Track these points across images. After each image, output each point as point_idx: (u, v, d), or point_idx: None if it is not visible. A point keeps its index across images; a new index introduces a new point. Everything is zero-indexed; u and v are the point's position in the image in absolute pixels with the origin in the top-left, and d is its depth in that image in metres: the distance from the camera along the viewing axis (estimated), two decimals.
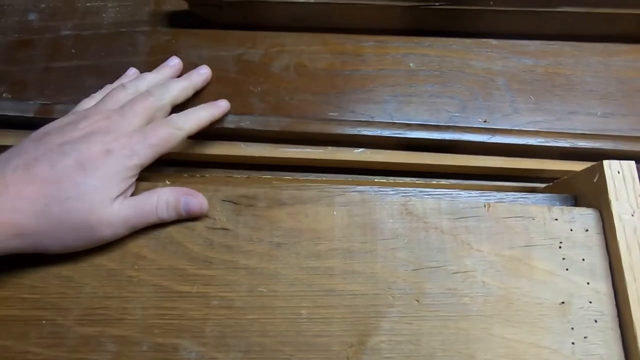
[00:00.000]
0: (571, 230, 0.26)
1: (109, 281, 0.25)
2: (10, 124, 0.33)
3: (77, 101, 0.33)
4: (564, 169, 0.32)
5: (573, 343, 0.24)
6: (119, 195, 0.24)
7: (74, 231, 0.23)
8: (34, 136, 0.25)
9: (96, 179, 0.23)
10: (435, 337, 0.24)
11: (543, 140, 0.31)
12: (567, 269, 0.25)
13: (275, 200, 0.27)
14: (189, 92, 0.31)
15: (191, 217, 0.26)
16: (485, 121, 0.31)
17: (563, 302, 0.24)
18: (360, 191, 0.28)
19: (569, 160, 0.32)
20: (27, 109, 0.32)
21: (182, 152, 0.32)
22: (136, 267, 0.26)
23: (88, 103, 0.29)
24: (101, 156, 0.24)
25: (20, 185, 0.22)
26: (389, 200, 0.27)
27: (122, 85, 0.29)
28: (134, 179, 0.26)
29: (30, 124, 0.33)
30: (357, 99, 0.32)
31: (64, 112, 0.32)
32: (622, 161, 0.26)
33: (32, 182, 0.23)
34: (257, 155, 0.33)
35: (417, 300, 0.25)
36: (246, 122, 0.32)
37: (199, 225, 0.27)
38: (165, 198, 0.26)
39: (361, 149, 0.33)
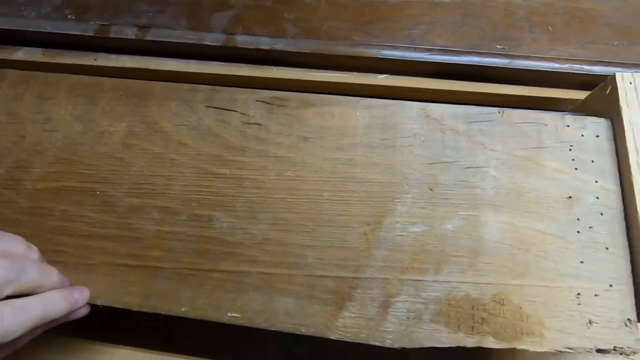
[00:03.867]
0: (582, 135, 0.27)
1: (154, 162, 0.29)
2: (71, 44, 0.38)
3: (131, 23, 0.37)
4: (582, 98, 0.33)
5: (578, 232, 0.25)
6: None
7: None
8: None
9: None
10: (446, 220, 0.26)
11: (559, 66, 0.32)
12: (576, 169, 0.27)
13: (304, 102, 0.30)
14: (42, 289, 0.23)
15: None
16: (504, 48, 0.33)
17: (570, 197, 0.26)
18: (382, 99, 0.30)
19: (587, 90, 0.33)
20: (88, 29, 0.36)
21: (213, 72, 0.35)
22: (179, 152, 0.29)
23: None
24: None
25: None
26: (409, 105, 0.29)
27: None
28: None
29: (89, 44, 0.37)
30: (384, 27, 0.35)
31: (120, 33, 0.37)
32: (634, 73, 0.27)
33: None
34: (288, 77, 0.36)
35: (431, 189, 0.27)
36: (280, 45, 0.35)
37: (234, 120, 0.30)
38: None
39: (385, 75, 0.35)
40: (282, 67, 0.36)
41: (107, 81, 0.32)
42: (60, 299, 0.23)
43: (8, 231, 0.27)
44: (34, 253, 0.25)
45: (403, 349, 0.23)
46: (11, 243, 0.24)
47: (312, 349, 0.34)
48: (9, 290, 0.21)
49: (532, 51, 0.33)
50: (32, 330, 0.22)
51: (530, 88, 0.33)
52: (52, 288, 0.24)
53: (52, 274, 0.24)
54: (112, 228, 0.27)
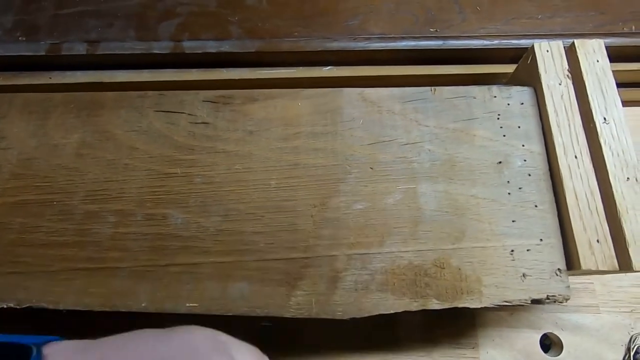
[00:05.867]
0: (508, 104, 0.29)
1: (108, 169, 0.30)
2: (25, 65, 0.38)
3: (81, 39, 0.38)
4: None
5: (509, 193, 0.27)
6: None
7: None
8: None
9: None
10: (387, 195, 0.27)
11: (489, 43, 0.34)
12: (504, 135, 0.28)
13: (249, 98, 0.31)
14: None
15: None
16: (437, 30, 0.35)
17: (500, 162, 0.28)
18: (322, 89, 0.32)
19: (517, 63, 0.35)
20: (39, 49, 0.37)
21: (164, 80, 0.37)
22: (131, 156, 0.30)
23: None
24: None
25: None
26: (347, 92, 0.31)
27: None
28: None
29: (43, 63, 0.38)
30: (323, 21, 0.36)
31: (71, 49, 0.38)
32: (550, 41, 0.29)
33: None
34: (237, 78, 0.37)
35: (371, 168, 0.28)
36: (226, 46, 0.36)
37: (182, 121, 0.31)
38: None
39: (329, 67, 0.37)
40: (230, 68, 0.37)
41: (58, 96, 0.33)
42: None
43: None
44: None
45: (354, 319, 0.25)
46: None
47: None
48: None
49: (462, 31, 0.35)
50: None
51: (465, 66, 0.35)
52: None
53: None
54: (70, 235, 0.28)
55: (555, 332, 0.32)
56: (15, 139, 0.31)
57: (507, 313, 0.32)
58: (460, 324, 0.32)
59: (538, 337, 0.32)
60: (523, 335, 0.32)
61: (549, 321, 0.32)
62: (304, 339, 0.31)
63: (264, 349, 0.22)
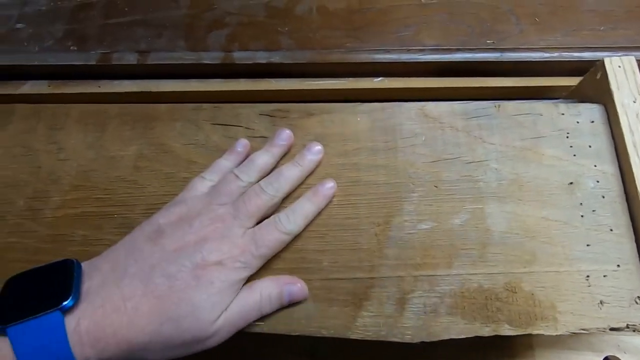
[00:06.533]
0: (577, 122, 0.28)
1: (166, 182, 0.30)
2: (75, 74, 0.39)
3: (131, 49, 0.38)
4: (574, 84, 0.34)
5: (582, 216, 0.26)
6: (227, 307, 0.24)
7: (181, 346, 0.23)
8: (147, 232, 0.25)
9: (210, 296, 0.23)
10: (453, 215, 0.27)
11: (549, 55, 0.33)
12: (574, 155, 0.27)
13: (305, 112, 0.31)
14: (301, 181, 0.28)
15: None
16: (493, 42, 0.34)
17: (571, 183, 0.27)
18: (380, 102, 0.31)
19: (577, 76, 0.34)
20: (90, 58, 0.37)
21: (212, 90, 0.36)
22: (189, 170, 0.30)
23: (200, 186, 0.28)
24: (215, 269, 0.23)
25: (137, 299, 0.22)
26: (407, 106, 0.30)
27: (235, 176, 0.27)
28: (240, 288, 0.25)
29: (92, 72, 0.39)
30: (374, 31, 0.36)
31: (121, 59, 0.38)
32: (622, 57, 0.28)
33: (149, 297, 0.22)
34: (286, 88, 0.37)
35: (436, 186, 0.27)
36: (276, 57, 0.36)
37: (240, 135, 0.30)
38: (267, 292, 0.25)
39: (380, 78, 0.36)
40: (279, 79, 0.37)
41: (114, 108, 0.33)
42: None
43: (30, 260, 0.28)
44: None
45: (422, 343, 0.24)
46: None
47: (334, 348, 0.35)
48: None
49: (521, 43, 0.34)
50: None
51: (523, 79, 0.34)
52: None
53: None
54: None
55: (618, 355, 0.31)
56: (73, 150, 0.31)
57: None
58: (516, 344, 0.32)
59: None
60: (584, 357, 0.31)
61: (611, 344, 0.31)
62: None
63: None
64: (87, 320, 0.20)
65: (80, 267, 0.22)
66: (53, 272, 0.22)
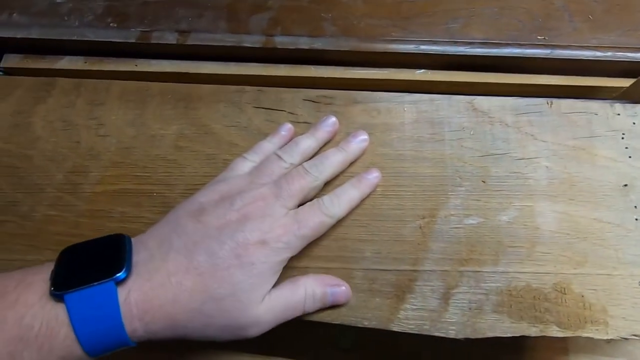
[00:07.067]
0: (634, 123, 0.27)
1: (207, 163, 0.29)
2: (113, 51, 0.39)
3: (171, 29, 0.38)
4: (626, 86, 0.33)
5: (637, 219, 0.25)
6: (269, 291, 0.24)
7: (222, 329, 0.23)
8: (189, 210, 0.24)
9: (252, 277, 0.22)
10: (501, 211, 0.26)
11: (602, 55, 0.32)
12: (629, 157, 0.27)
13: (350, 99, 0.30)
14: (345, 167, 0.28)
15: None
16: (545, 38, 0.33)
17: (626, 185, 0.26)
18: (428, 94, 0.31)
19: (630, 77, 0.33)
20: (130, 36, 0.37)
21: (251, 74, 0.36)
22: (230, 152, 0.29)
23: (241, 166, 0.27)
24: (257, 248, 0.23)
25: (181, 275, 0.22)
26: (455, 99, 0.29)
27: (278, 157, 0.27)
28: (281, 270, 0.24)
29: (131, 50, 0.38)
30: (421, 22, 0.35)
31: (161, 38, 0.38)
32: None
33: (192, 273, 0.22)
34: (327, 76, 0.36)
35: (484, 181, 0.27)
36: (318, 44, 0.35)
37: (282, 119, 0.30)
38: (312, 291, 0.24)
39: (422, 70, 0.35)
40: (320, 66, 0.36)
41: (155, 86, 0.33)
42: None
43: (70, 233, 0.28)
44: None
45: (467, 339, 0.24)
46: None
47: (356, 341, 0.35)
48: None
49: (573, 40, 0.33)
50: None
51: (573, 77, 0.33)
52: None
53: None
54: None
55: None
56: (113, 126, 0.31)
57: (604, 340, 0.31)
58: (551, 347, 0.31)
59: None
60: None
61: None
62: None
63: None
64: (137, 292, 0.20)
65: (131, 241, 0.22)
66: (106, 245, 0.22)
